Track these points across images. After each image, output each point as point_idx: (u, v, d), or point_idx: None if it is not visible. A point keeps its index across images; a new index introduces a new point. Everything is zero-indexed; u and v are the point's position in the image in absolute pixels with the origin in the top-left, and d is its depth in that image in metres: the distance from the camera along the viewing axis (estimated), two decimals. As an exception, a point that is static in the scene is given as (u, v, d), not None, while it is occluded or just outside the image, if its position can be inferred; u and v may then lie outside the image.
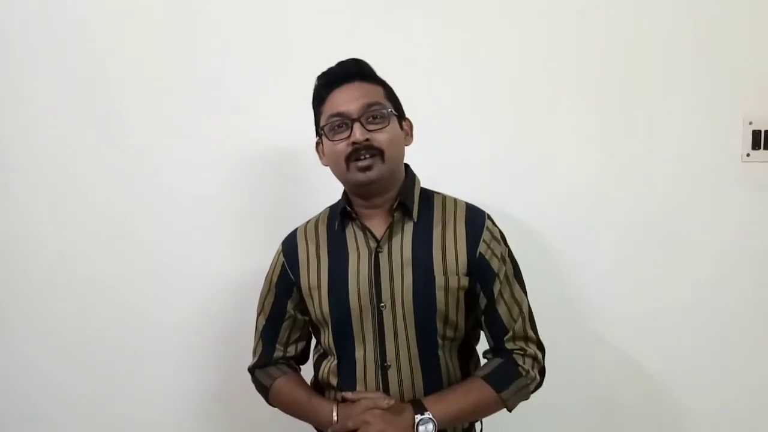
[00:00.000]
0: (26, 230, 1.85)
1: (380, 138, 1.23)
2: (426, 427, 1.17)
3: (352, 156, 1.23)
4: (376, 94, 1.26)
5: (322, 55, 1.74)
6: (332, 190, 1.38)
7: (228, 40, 1.80)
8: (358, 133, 1.21)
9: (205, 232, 1.82)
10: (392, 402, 1.21)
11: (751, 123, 1.75)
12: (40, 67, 1.81)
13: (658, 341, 1.79)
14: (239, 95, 1.80)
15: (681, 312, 1.78)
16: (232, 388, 1.82)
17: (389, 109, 1.26)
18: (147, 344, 1.84)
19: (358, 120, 1.22)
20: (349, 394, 1.25)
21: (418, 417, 1.18)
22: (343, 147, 1.23)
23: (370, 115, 1.23)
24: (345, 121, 1.23)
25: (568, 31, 1.76)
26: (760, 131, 1.74)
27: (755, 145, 1.75)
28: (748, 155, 1.75)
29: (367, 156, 1.22)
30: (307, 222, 1.39)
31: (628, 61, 1.75)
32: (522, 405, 1.31)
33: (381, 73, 1.33)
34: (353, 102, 1.23)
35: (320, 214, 1.39)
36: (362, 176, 1.23)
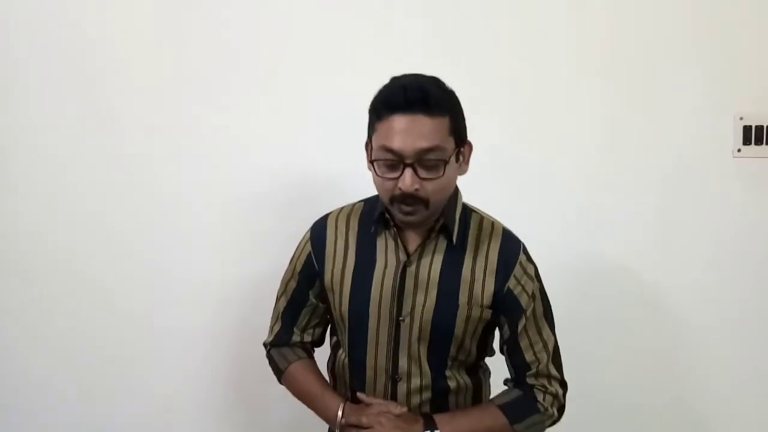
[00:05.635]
0: (25, 234, 1.84)
1: (429, 188, 1.15)
2: None
3: (398, 199, 1.16)
4: (439, 133, 1.14)
5: (320, 56, 1.77)
6: (339, 193, 1.38)
7: (227, 43, 1.78)
8: (408, 182, 1.13)
9: (205, 236, 1.82)
10: (404, 410, 1.22)
11: (742, 118, 1.77)
12: (38, 71, 1.79)
13: (651, 336, 1.82)
14: (240, 97, 1.79)
15: (674, 306, 1.81)
16: (239, 394, 1.86)
17: (448, 156, 1.16)
18: (144, 350, 1.85)
19: (411, 165, 1.13)
20: (363, 397, 1.26)
21: None
22: (390, 186, 1.16)
23: (425, 162, 1.14)
24: (397, 163, 1.14)
25: (567, 29, 1.77)
26: (750, 126, 1.77)
27: (746, 141, 1.77)
28: (739, 150, 1.78)
29: (411, 203, 1.16)
30: (340, 210, 1.33)
31: (620, 59, 1.77)
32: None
33: (379, 73, 1.22)
34: (410, 142, 1.12)
35: (354, 205, 1.34)
36: (403, 218, 1.20)
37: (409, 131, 1.12)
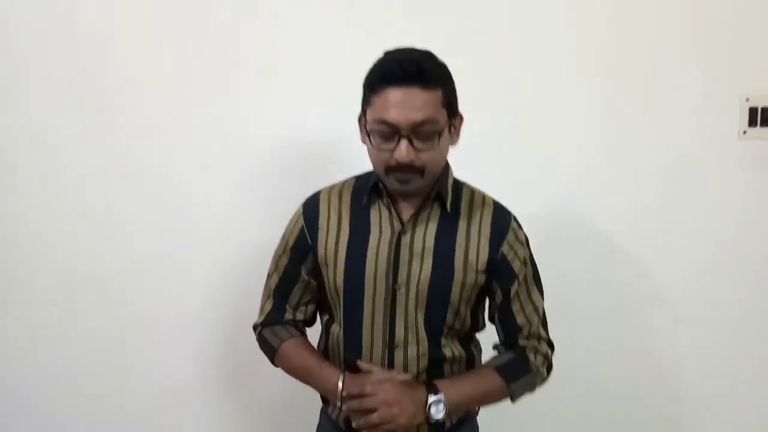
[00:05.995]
0: (24, 226, 1.85)
1: (425, 158, 1.19)
2: (437, 408, 1.20)
3: (394, 169, 1.20)
4: (433, 105, 1.17)
5: (323, 45, 1.76)
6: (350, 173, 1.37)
7: (229, 31, 1.77)
8: (404, 153, 1.16)
9: (206, 226, 1.82)
10: (408, 377, 1.24)
11: (748, 100, 1.75)
12: (39, 61, 1.79)
13: (653, 322, 1.81)
14: (239, 86, 1.77)
15: (678, 291, 1.79)
16: (239, 381, 1.85)
17: (441, 127, 1.19)
18: (143, 342, 1.85)
19: (407, 137, 1.16)
20: (363, 364, 1.26)
21: (431, 397, 1.20)
22: (386, 157, 1.19)
23: (420, 134, 1.17)
24: (392, 134, 1.17)
25: (567, 10, 1.75)
26: (756, 108, 1.74)
27: (752, 123, 1.75)
28: (744, 132, 1.76)
29: (407, 172, 1.20)
30: (331, 187, 1.36)
31: (625, 39, 1.75)
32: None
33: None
34: (405, 114, 1.15)
35: (345, 181, 1.36)
36: (399, 187, 1.23)
37: (404, 104, 1.15)
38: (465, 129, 1.70)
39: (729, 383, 1.80)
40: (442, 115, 1.20)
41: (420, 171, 1.20)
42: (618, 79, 1.76)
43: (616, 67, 1.76)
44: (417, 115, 1.16)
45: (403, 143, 1.17)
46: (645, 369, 1.82)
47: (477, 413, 1.39)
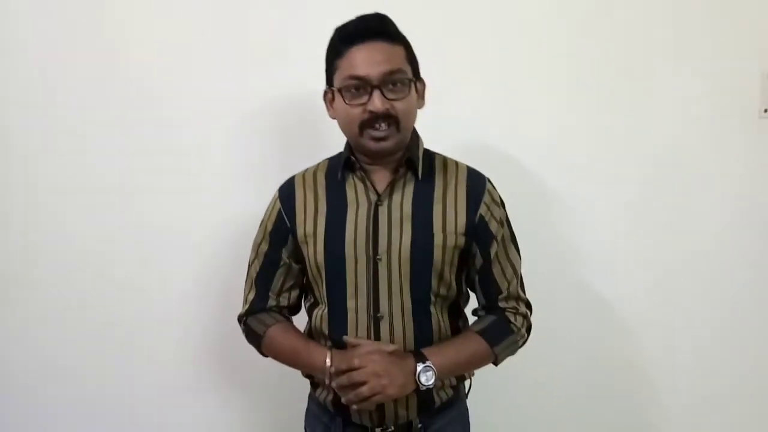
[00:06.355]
0: (24, 226, 1.83)
1: (399, 107, 1.22)
2: (427, 375, 1.20)
3: (368, 123, 1.21)
4: (399, 58, 1.23)
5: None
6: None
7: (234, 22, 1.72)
8: (378, 103, 1.19)
9: (207, 225, 1.79)
10: (396, 347, 1.24)
11: (769, 77, 1.68)
12: (39, 53, 1.75)
13: (664, 305, 1.76)
14: (240, 84, 1.73)
15: (692, 271, 1.74)
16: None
17: (409, 77, 1.24)
18: (145, 341, 1.84)
19: (378, 87, 1.20)
20: (350, 339, 1.26)
21: (420, 365, 1.21)
22: (358, 112, 1.21)
23: (391, 83, 1.21)
24: (364, 86, 1.20)
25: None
26: (778, 85, 1.68)
27: (773, 101, 1.69)
28: (765, 111, 1.69)
29: (384, 125, 1.22)
30: (305, 171, 1.38)
31: (641, 12, 1.68)
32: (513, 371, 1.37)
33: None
34: (375, 66, 1.19)
35: (318, 164, 1.39)
36: (376, 146, 1.23)
37: (371, 57, 1.20)
38: (465, 126, 1.68)
39: (728, 383, 1.78)
40: (409, 69, 1.25)
41: (395, 122, 1.22)
42: (632, 55, 1.69)
43: (629, 44, 1.69)
44: (385, 66, 1.20)
45: (376, 93, 1.19)
46: (643, 368, 1.79)
47: (467, 396, 1.39)
